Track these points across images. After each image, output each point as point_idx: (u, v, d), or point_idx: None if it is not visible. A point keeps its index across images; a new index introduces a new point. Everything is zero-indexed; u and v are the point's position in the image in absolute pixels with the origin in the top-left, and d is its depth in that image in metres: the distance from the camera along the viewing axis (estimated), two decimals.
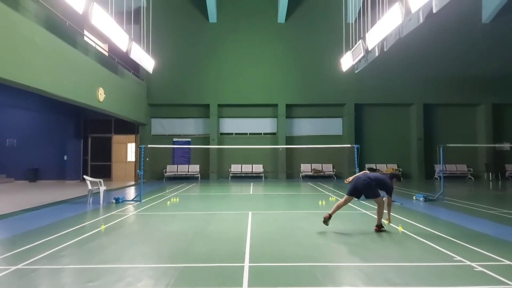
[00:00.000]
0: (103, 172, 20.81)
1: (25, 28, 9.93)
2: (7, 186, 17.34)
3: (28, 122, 20.56)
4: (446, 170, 20.61)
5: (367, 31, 12.50)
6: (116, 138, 21.74)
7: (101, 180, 11.06)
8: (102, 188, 10.81)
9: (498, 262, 4.70)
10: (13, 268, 4.54)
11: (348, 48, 15.90)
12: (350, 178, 6.96)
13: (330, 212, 6.85)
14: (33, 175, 19.96)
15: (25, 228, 7.11)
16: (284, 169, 21.44)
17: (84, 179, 11.51)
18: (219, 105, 21.79)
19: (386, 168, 21.55)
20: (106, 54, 16.82)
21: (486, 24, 21.29)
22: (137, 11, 18.07)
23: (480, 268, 4.44)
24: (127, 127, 21.35)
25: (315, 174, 21.23)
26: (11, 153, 20.29)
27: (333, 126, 22.34)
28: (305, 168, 21.55)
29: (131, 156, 21.75)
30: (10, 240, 6.13)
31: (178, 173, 21.16)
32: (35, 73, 10.41)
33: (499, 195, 13.91)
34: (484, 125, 21.70)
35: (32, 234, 6.48)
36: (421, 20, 10.23)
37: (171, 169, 21.29)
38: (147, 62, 15.58)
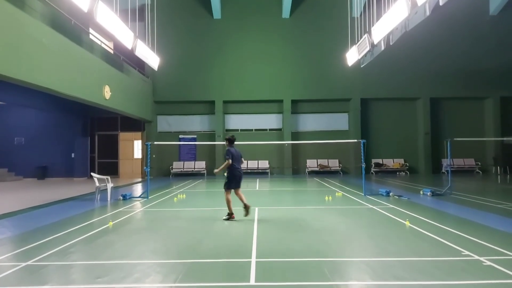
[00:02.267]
0: (110, 169, 20.92)
1: (32, 27, 9.98)
2: (16, 184, 17.54)
3: (35, 121, 20.73)
4: (453, 164, 20.43)
5: (373, 25, 12.39)
6: (123, 136, 21.86)
7: (109, 177, 11.14)
8: (110, 185, 10.89)
9: (507, 257, 4.67)
10: (23, 264, 4.60)
11: (353, 43, 15.79)
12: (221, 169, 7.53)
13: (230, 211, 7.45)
14: (42, 173, 20.15)
15: (34, 225, 7.19)
16: (290, 165, 21.42)
17: (91, 177, 11.60)
18: (225, 102, 21.78)
19: (393, 163, 21.47)
20: (112, 52, 16.87)
21: (494, 16, 21.00)
22: (142, 9, 18.08)
23: (488, 263, 4.41)
24: (133, 125, 21.45)
25: (321, 170, 21.18)
26: (20, 152, 20.51)
27: (339, 121, 22.23)
28: (311, 163, 21.51)
29: (137, 153, 21.87)
30: (20, 237, 6.21)
31: (185, 169, 21.24)
32: (42, 71, 10.48)
33: (507, 189, 13.77)
34: (492, 118, 21.47)
35: (41, 231, 6.55)
36: (428, 13, 10.10)
37: (178, 166, 21.38)
38: (152, 59, 15.62)
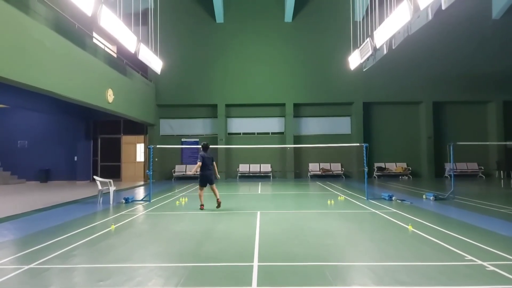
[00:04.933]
0: (113, 172, 21.00)
1: (35, 30, 10.06)
2: (19, 187, 17.59)
3: (39, 124, 20.85)
4: (456, 169, 20.35)
5: (375, 29, 12.41)
6: (125, 139, 21.93)
7: (111, 181, 11.17)
8: (112, 189, 10.92)
9: (511, 262, 4.64)
10: (26, 267, 4.61)
11: (356, 46, 15.80)
12: (195, 170, 9.25)
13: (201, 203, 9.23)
14: (44, 176, 20.23)
15: (37, 228, 7.21)
16: (292, 169, 21.40)
17: (94, 180, 11.63)
18: (227, 105, 21.82)
19: (395, 167, 21.41)
20: (115, 55, 16.96)
21: (496, 20, 20.98)
22: (145, 13, 18.21)
23: (492, 268, 4.38)
24: (136, 128, 21.53)
25: (323, 174, 21.15)
26: (23, 155, 20.61)
27: (342, 125, 22.22)
28: (313, 167, 21.48)
29: (140, 156, 21.93)
30: (23, 240, 6.23)
31: (187, 173, 21.25)
32: (45, 75, 10.55)
33: (510, 193, 13.70)
34: (495, 122, 21.40)
35: (44, 234, 6.57)
36: (430, 17, 10.11)
37: (180, 169, 21.39)
38: (155, 63, 15.68)
